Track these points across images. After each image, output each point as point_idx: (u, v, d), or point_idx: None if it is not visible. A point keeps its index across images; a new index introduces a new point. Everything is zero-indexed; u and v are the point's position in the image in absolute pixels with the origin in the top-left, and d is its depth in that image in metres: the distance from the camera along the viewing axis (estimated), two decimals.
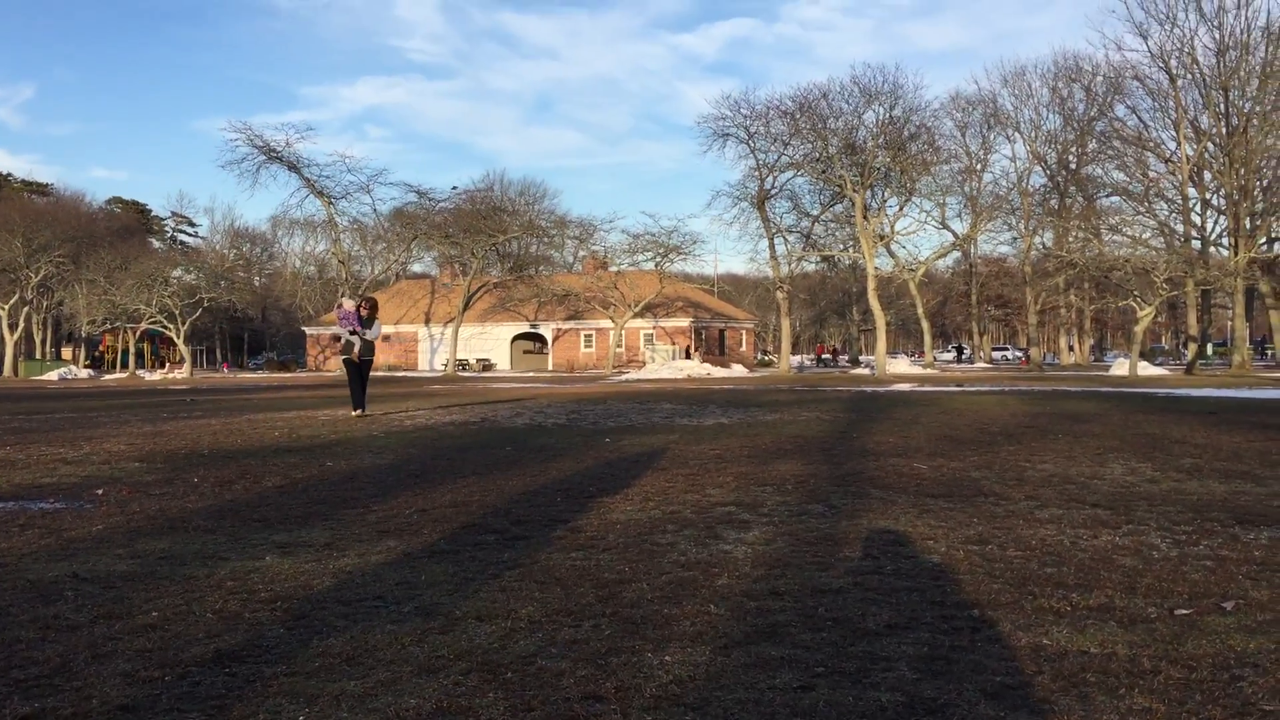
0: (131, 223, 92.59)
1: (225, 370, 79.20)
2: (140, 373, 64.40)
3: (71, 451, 10.83)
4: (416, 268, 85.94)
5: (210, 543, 5.69)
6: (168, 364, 73.80)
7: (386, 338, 73.16)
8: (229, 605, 4.27)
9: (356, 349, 16.10)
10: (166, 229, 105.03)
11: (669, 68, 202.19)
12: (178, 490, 7.80)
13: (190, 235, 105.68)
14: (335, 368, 68.79)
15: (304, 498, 7.36)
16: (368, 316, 16.24)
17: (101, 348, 77.94)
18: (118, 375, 62.85)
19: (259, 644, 3.73)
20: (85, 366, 69.83)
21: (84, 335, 72.34)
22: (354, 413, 15.98)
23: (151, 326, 64.87)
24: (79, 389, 38.88)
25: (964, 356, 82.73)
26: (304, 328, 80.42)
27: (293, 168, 59.80)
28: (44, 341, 74.73)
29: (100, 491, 7.72)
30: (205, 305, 64.82)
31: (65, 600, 4.39)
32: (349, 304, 16.57)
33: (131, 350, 68.19)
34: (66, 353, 79.31)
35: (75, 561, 5.19)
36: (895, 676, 3.31)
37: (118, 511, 6.79)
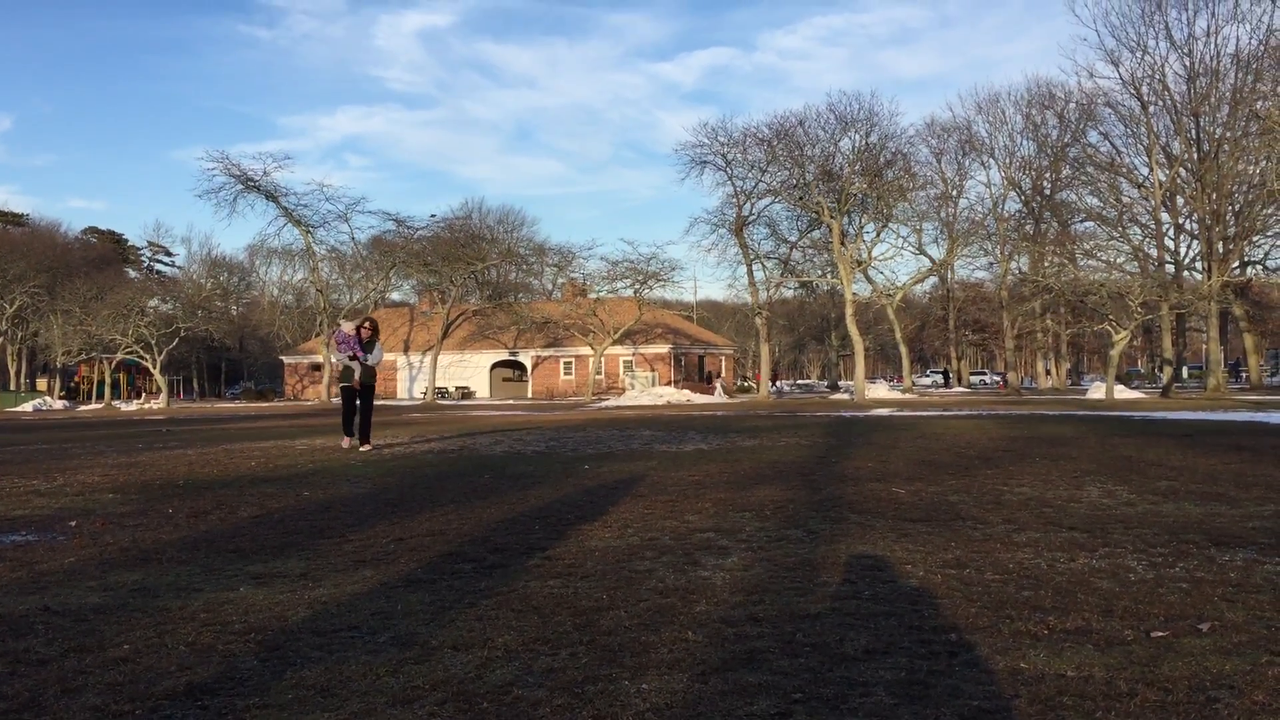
0: (107, 252, 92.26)
1: (180, 399, 78.39)
2: (116, 403, 63.92)
3: (45, 483, 10.72)
4: (395, 296, 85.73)
5: (184, 574, 5.64)
6: (144, 394, 73.24)
7: None
8: (202, 637, 4.23)
9: (357, 375, 14.82)
10: (143, 259, 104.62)
11: (648, 96, 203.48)
12: (152, 521, 7.73)
13: (167, 265, 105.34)
14: (314, 396, 68.42)
15: (279, 528, 7.30)
16: (369, 339, 14.96)
17: (77, 378, 77.29)
18: (93, 406, 62.37)
19: (232, 676, 3.69)
20: (60, 397, 69.33)
21: (59, 366, 71.83)
22: (345, 443, 14.92)
23: (127, 357, 64.49)
24: (54, 420, 38.55)
25: (948, 381, 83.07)
26: (282, 357, 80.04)
27: (270, 197, 59.71)
28: (19, 373, 74.12)
29: (73, 523, 7.64)
30: (182, 335, 64.51)
31: (36, 634, 4.33)
32: (348, 326, 15.22)
33: (107, 381, 67.72)
34: (41, 384, 78.64)
35: (47, 594, 5.13)
36: (873, 702, 3.30)
37: (91, 543, 6.72)
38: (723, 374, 62.90)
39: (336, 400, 63.07)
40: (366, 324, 15.16)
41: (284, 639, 4.18)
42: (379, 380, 70.46)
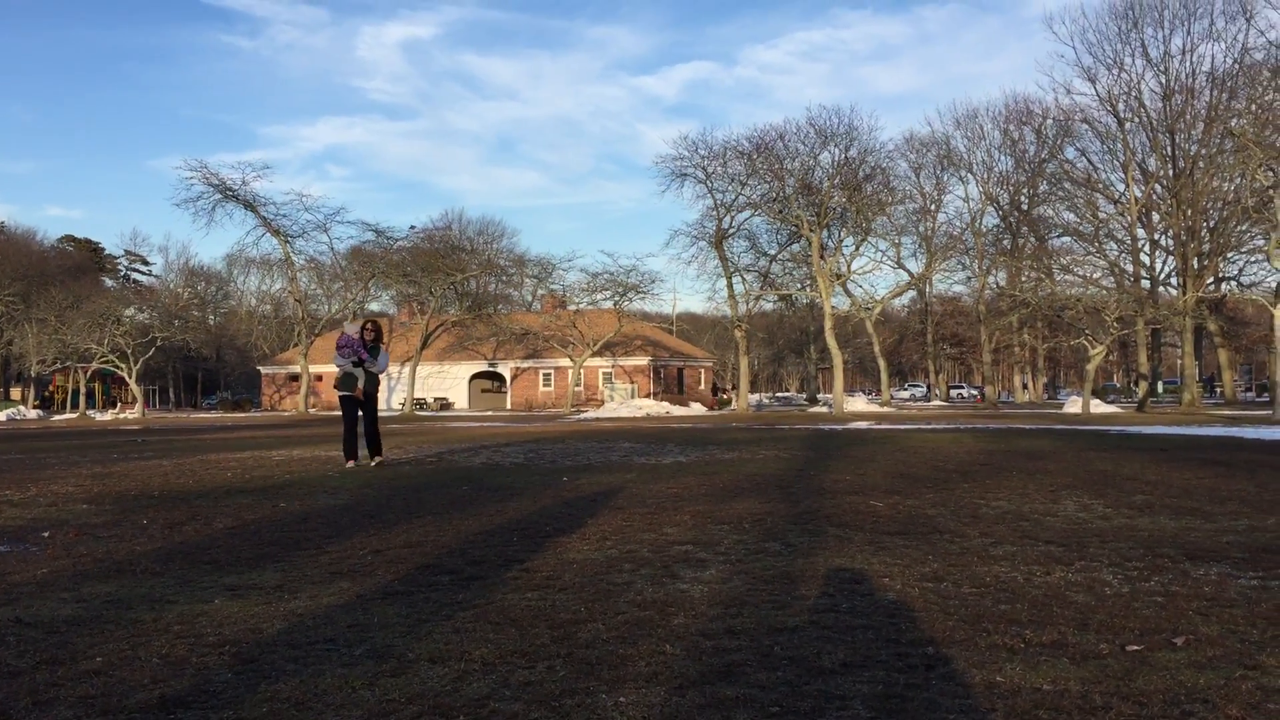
0: (84, 261, 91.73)
1: (155, 409, 77.51)
2: (91, 413, 63.43)
3: (17, 493, 10.62)
4: (374, 306, 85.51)
5: (158, 586, 5.59)
6: (119, 404, 72.69)
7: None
8: (176, 650, 4.19)
9: (360, 383, 13.65)
10: (120, 267, 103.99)
11: (629, 109, 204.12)
12: (126, 532, 7.66)
13: (144, 274, 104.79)
14: (291, 407, 68.08)
15: (255, 539, 7.25)
16: (373, 343, 13.83)
17: (51, 388, 76.67)
18: (68, 416, 61.89)
19: (205, 689, 3.65)
20: (34, 407, 68.71)
21: (33, 375, 71.20)
22: (350, 465, 13.57)
23: (103, 366, 64.02)
24: (27, 429, 38.21)
25: (928, 394, 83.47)
26: (259, 367, 79.70)
27: (249, 206, 59.48)
28: None
29: (46, 534, 7.57)
30: (158, 344, 64.10)
31: (7, 645, 4.28)
32: (351, 329, 14.00)
33: (82, 390, 67.19)
34: (15, 393, 78.00)
35: (18, 606, 5.07)
36: (850, 715, 3.30)
37: (64, 554, 6.65)
38: (735, 385, 62.31)
39: (314, 410, 62.76)
40: (369, 325, 14.06)
41: (259, 651, 4.15)
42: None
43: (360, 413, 13.91)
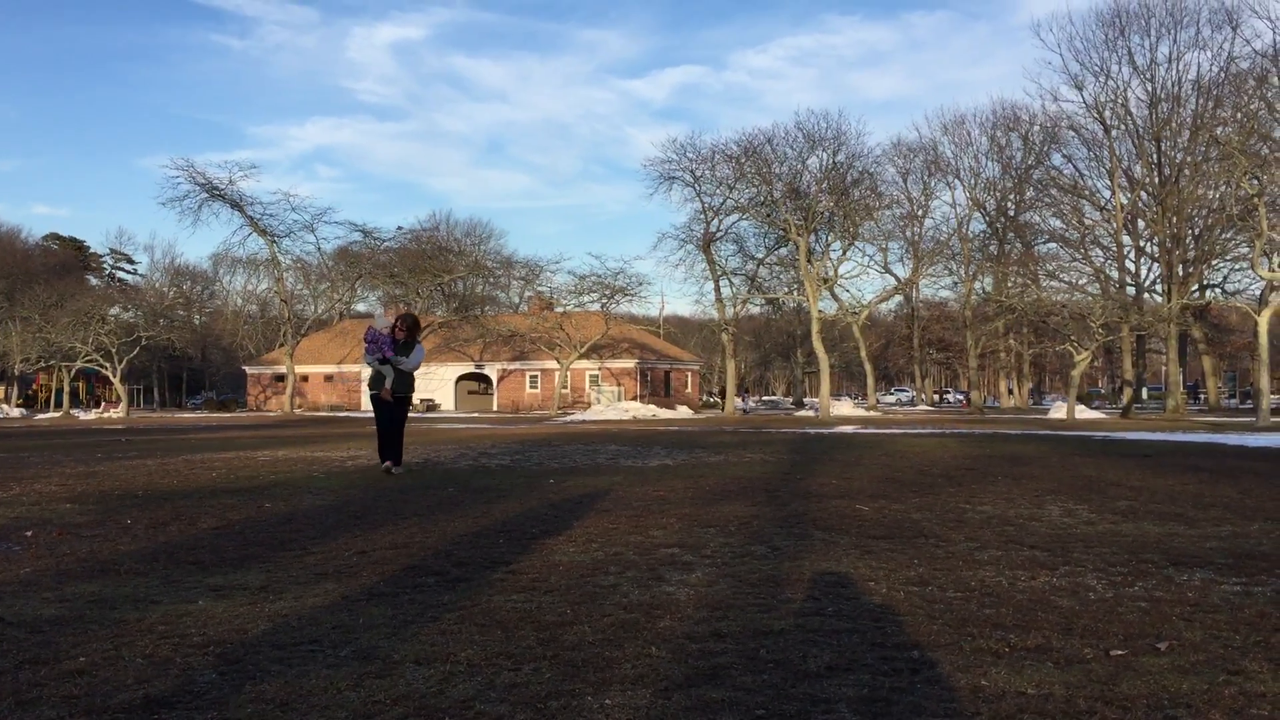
0: (69, 259, 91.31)
1: (139, 408, 77.20)
2: (75, 412, 63.09)
3: (0, 492, 10.55)
4: (360, 307, 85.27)
5: (142, 586, 5.56)
6: (104, 403, 72.32)
7: (329, 378, 72.42)
8: (160, 650, 4.17)
9: (389, 382, 12.76)
10: (105, 266, 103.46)
11: (618, 112, 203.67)
12: (110, 532, 7.62)
13: (129, 273, 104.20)
14: (276, 407, 67.80)
15: (240, 539, 7.23)
16: (405, 340, 12.89)
17: (35, 386, 76.22)
18: (51, 415, 61.54)
19: (190, 689, 3.64)
20: (17, 405, 68.33)
21: (17, 374, 70.79)
22: (384, 465, 12.82)
23: (87, 365, 63.66)
24: (10, 428, 37.98)
25: (909, 399, 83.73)
26: (245, 367, 79.36)
27: (235, 205, 59.19)
28: None
29: (29, 533, 7.53)
30: (143, 344, 63.76)
31: None
32: (381, 323, 13.08)
33: (66, 389, 66.82)
34: None
35: (1, 605, 5.04)
36: (836, 718, 3.31)
37: (47, 554, 6.62)
38: (748, 390, 61.90)
39: (300, 411, 62.55)
40: (402, 322, 13.09)
41: (243, 652, 4.13)
42: (344, 394, 69.19)
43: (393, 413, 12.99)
